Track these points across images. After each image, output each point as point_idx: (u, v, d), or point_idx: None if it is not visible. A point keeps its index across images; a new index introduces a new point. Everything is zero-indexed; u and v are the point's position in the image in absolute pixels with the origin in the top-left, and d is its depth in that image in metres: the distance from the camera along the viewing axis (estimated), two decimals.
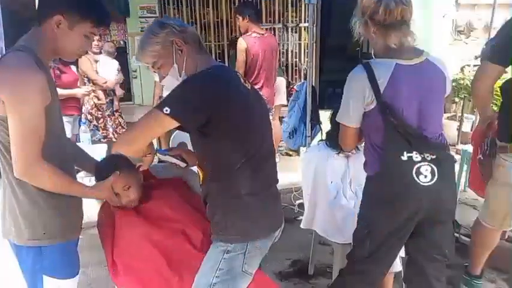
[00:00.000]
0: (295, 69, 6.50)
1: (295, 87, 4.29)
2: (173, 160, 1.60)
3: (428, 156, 1.55)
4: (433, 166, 1.54)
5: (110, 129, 4.25)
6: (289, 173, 3.98)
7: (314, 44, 4.02)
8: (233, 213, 1.38)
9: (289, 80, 6.21)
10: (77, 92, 3.84)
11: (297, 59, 6.49)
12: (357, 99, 1.56)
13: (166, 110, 1.24)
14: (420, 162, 1.54)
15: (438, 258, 1.68)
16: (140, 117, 1.34)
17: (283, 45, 6.30)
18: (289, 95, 4.79)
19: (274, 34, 5.91)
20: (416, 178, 1.53)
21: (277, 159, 5.04)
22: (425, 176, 1.54)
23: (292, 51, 6.46)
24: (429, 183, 1.54)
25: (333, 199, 2.17)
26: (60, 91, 3.47)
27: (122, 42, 6.31)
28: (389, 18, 1.51)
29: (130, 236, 1.61)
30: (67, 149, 1.47)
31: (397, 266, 2.08)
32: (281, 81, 4.81)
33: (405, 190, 1.56)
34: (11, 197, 1.33)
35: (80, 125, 3.62)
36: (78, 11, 1.29)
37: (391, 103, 1.52)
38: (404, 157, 1.54)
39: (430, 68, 1.58)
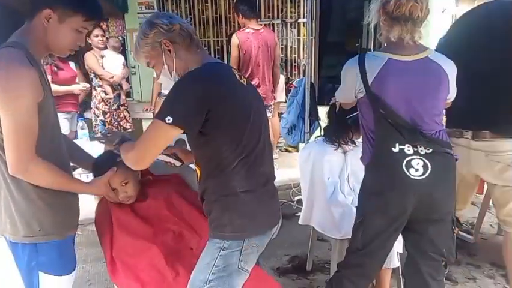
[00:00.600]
0: (294, 65, 6.48)
1: (294, 83, 4.27)
2: (168, 159, 1.59)
3: (422, 150, 1.53)
4: (426, 161, 1.53)
5: (115, 124, 4.27)
6: (288, 169, 3.99)
7: (313, 40, 4.01)
8: (230, 211, 1.37)
9: (288, 76, 6.19)
10: (74, 88, 3.82)
11: (296, 55, 6.47)
12: (349, 87, 1.64)
13: (169, 120, 1.22)
14: (412, 155, 1.53)
15: (434, 256, 1.66)
16: (144, 132, 1.33)
17: (282, 41, 6.27)
18: (288, 91, 4.77)
19: (273, 30, 5.88)
20: (406, 171, 1.53)
21: (276, 156, 5.00)
22: (416, 170, 1.52)
23: (291, 47, 6.43)
24: (421, 178, 1.52)
25: (330, 195, 2.16)
26: (57, 87, 3.50)
27: (120, 38, 6.26)
28: (397, 11, 1.51)
29: (127, 233, 1.61)
30: (62, 146, 1.46)
31: (395, 261, 2.08)
32: (280, 78, 4.79)
33: (395, 182, 1.55)
34: (7, 194, 1.32)
35: (77, 121, 3.60)
36: (68, 5, 1.27)
37: (379, 94, 1.54)
38: (396, 149, 1.54)
39: (429, 65, 1.56)
